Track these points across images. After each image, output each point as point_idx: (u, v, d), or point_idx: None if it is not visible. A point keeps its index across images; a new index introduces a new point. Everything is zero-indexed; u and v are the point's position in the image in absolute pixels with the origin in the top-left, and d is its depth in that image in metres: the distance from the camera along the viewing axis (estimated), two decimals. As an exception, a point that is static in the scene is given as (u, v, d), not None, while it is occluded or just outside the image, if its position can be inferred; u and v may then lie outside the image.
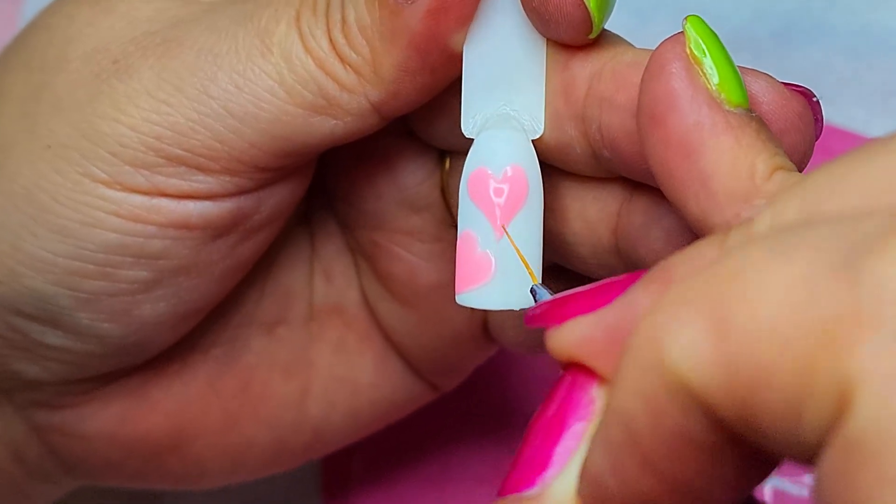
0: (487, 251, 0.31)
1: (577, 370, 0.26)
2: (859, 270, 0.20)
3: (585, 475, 0.24)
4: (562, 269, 0.35)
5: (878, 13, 0.45)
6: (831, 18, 0.45)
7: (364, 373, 0.38)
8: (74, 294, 0.34)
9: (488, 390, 0.45)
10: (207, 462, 0.38)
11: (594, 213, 0.33)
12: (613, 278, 0.27)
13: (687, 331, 0.21)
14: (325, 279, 0.38)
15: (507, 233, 0.31)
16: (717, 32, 0.30)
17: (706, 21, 0.30)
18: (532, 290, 0.30)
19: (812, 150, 0.31)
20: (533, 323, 0.27)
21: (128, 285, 0.34)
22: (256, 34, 0.33)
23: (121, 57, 0.34)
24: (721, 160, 0.27)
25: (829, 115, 0.45)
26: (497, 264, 0.31)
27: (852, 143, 0.44)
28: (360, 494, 0.44)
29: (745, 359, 0.21)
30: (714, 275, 0.22)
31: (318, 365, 0.38)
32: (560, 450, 0.25)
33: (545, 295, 0.29)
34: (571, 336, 0.26)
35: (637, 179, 0.32)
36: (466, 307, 0.32)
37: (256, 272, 0.37)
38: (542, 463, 0.25)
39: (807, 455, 0.21)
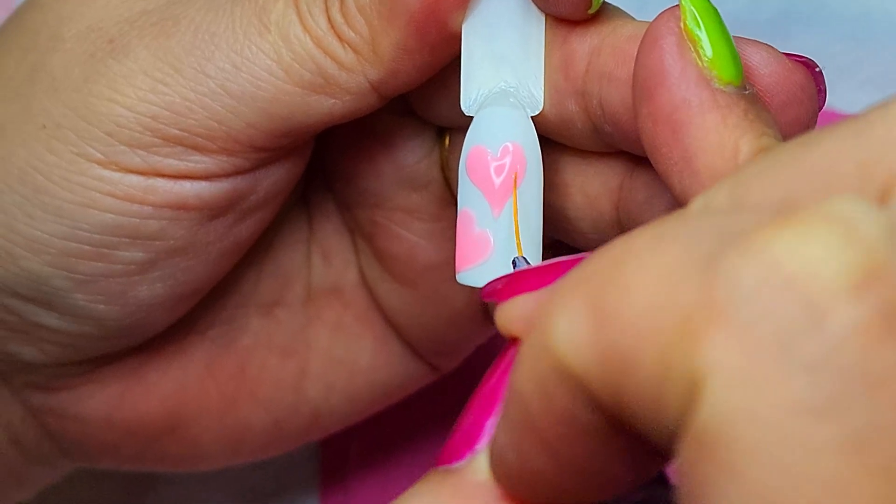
0: (486, 229, 0.31)
1: (518, 345, 0.26)
2: (718, 265, 0.20)
3: (492, 450, 0.25)
4: (563, 245, 0.35)
5: (878, -2, 0.45)
6: (830, 3, 0.45)
7: (363, 354, 0.38)
8: (70, 275, 0.34)
9: (485, 373, 0.45)
10: (205, 444, 0.38)
11: (596, 187, 0.33)
12: (565, 257, 0.27)
13: (569, 315, 0.22)
14: (322, 260, 0.38)
15: (515, 198, 0.30)
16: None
17: None
18: (513, 262, 0.30)
19: (815, 121, 0.31)
20: (488, 297, 0.28)
21: (124, 266, 0.34)
22: (254, 13, 0.33)
23: (116, 36, 0.33)
24: (706, 139, 0.28)
25: (830, 100, 0.44)
26: (495, 242, 0.31)
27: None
28: (358, 478, 0.44)
29: (615, 345, 0.21)
30: (601, 259, 0.22)
31: (316, 346, 0.38)
32: (491, 423, 0.26)
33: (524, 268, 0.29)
34: (513, 312, 0.26)
35: (639, 154, 0.32)
36: (466, 286, 0.32)
37: (253, 253, 0.37)
38: (474, 436, 0.25)
39: (673, 444, 0.21)
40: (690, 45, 0.28)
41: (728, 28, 0.29)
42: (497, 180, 0.31)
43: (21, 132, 0.34)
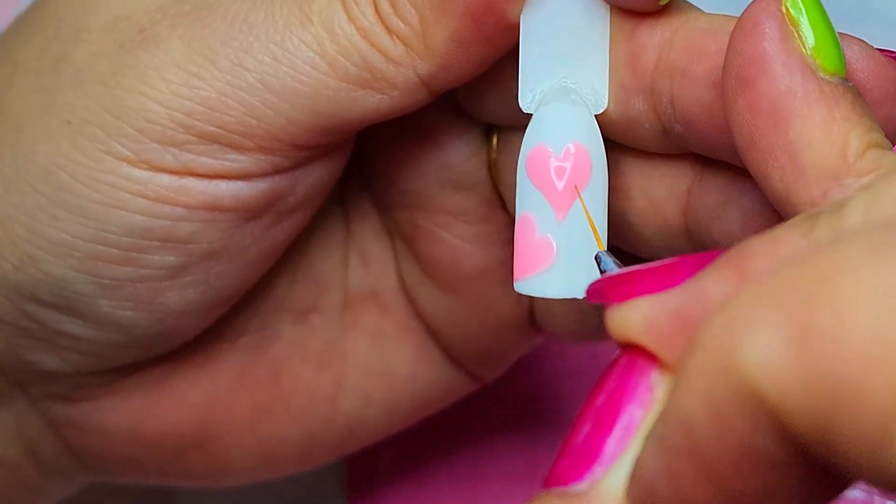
0: (548, 235, 0.29)
1: (636, 353, 0.24)
2: None
3: (637, 476, 0.22)
4: (625, 253, 0.33)
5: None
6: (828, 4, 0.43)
7: (401, 364, 0.36)
8: (96, 280, 0.32)
9: (519, 383, 0.43)
10: (234, 459, 0.36)
11: (662, 191, 0.31)
12: (684, 256, 0.25)
13: (765, 335, 0.20)
14: (360, 264, 0.36)
15: (579, 197, 0.28)
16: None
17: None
18: (597, 258, 0.28)
19: None
20: (594, 298, 0.25)
21: (154, 271, 0.32)
22: (295, 2, 0.31)
23: (147, 26, 0.31)
24: (812, 132, 0.25)
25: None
26: (559, 249, 0.29)
27: None
28: (387, 491, 0.42)
29: (831, 373, 0.19)
30: (801, 273, 0.20)
31: (353, 355, 0.36)
32: (612, 441, 0.23)
33: (610, 265, 0.27)
34: (634, 316, 0.24)
35: (712, 156, 0.30)
36: (523, 294, 0.30)
37: (288, 256, 0.35)
38: (592, 454, 0.23)
39: (893, 483, 0.19)
40: (793, 31, 0.26)
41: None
42: (559, 183, 0.29)
43: (44, 128, 0.32)
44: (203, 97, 0.31)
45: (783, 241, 0.23)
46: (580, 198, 0.29)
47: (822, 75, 0.26)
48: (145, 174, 0.31)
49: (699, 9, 0.30)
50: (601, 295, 0.25)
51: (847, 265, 0.19)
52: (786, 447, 0.20)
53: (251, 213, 0.32)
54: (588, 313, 0.34)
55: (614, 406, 0.23)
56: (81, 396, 0.35)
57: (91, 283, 0.32)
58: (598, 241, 0.29)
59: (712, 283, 0.23)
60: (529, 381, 0.43)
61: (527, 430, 0.43)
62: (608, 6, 0.30)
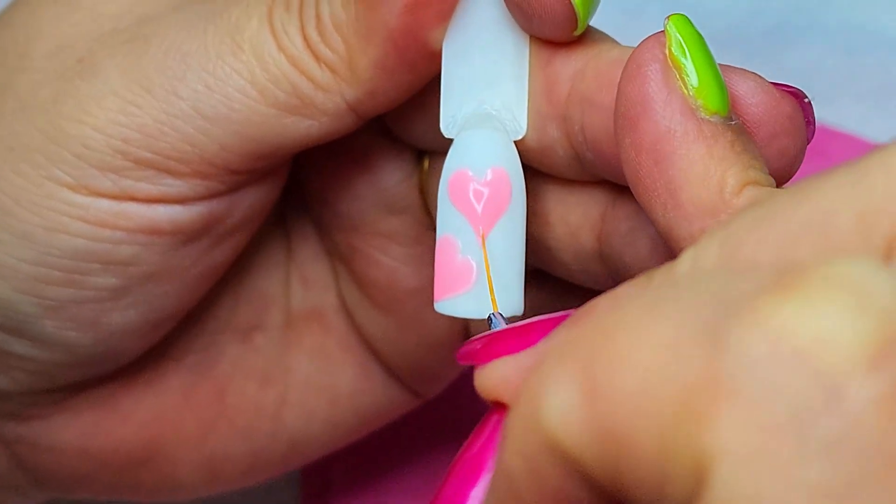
0: (468, 257, 0.30)
1: (501, 410, 0.26)
2: (721, 337, 0.19)
3: None
4: (546, 274, 0.34)
5: (873, 11, 0.44)
6: (825, 17, 0.44)
7: (343, 380, 0.37)
8: (40, 301, 0.33)
9: (473, 396, 0.44)
10: (181, 474, 0.37)
11: (577, 217, 0.32)
12: (544, 317, 0.26)
13: (559, 390, 0.21)
14: (302, 283, 0.37)
15: (484, 246, 0.29)
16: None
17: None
18: (489, 319, 0.29)
19: (803, 154, 0.29)
20: (464, 359, 0.27)
21: (96, 292, 0.33)
22: (227, 31, 0.32)
23: (87, 55, 0.32)
24: (691, 170, 0.26)
25: (823, 115, 0.44)
26: (479, 271, 0.30)
27: (846, 144, 0.43)
28: (341, 501, 0.43)
29: (612, 425, 0.20)
30: (592, 329, 0.21)
31: (296, 373, 0.37)
32: (476, 492, 0.25)
33: (501, 325, 0.28)
34: (494, 376, 0.25)
35: (622, 183, 0.31)
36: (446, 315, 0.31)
37: (230, 277, 0.36)
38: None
39: None
40: (675, 73, 0.27)
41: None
42: (479, 206, 0.30)
43: None
44: (139, 124, 0.32)
45: (625, 296, 0.24)
46: (483, 243, 0.30)
47: (702, 115, 0.27)
48: (85, 199, 0.32)
49: (614, 41, 0.31)
50: (470, 357, 0.26)
51: (626, 321, 0.20)
52: (593, 494, 0.21)
53: (189, 236, 0.33)
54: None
55: (480, 459, 0.25)
56: (31, 415, 0.35)
57: (35, 305, 0.33)
58: (493, 301, 0.30)
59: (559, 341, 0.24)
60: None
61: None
62: (527, 35, 0.31)
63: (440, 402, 0.41)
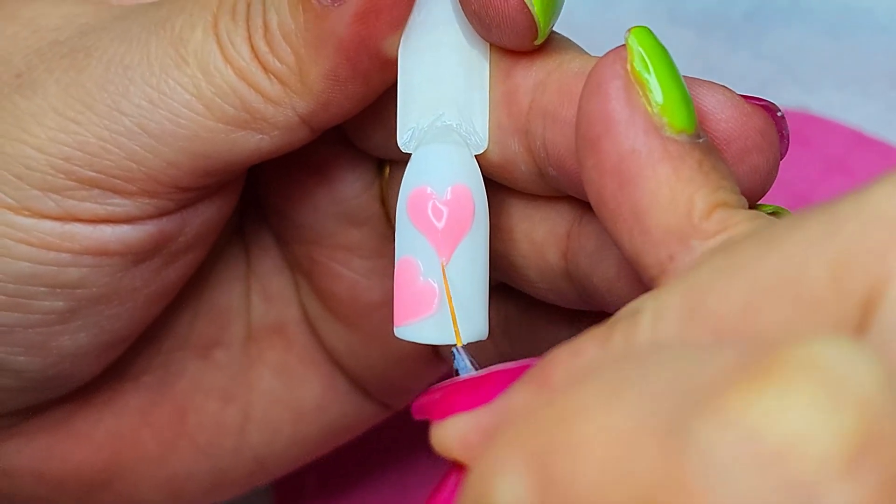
0: (430, 280, 0.29)
1: (461, 471, 0.24)
2: (684, 433, 0.17)
3: None
4: (511, 288, 0.32)
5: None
6: (807, -4, 0.42)
7: (308, 395, 0.35)
8: None
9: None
10: (143, 495, 0.35)
11: (542, 234, 0.30)
12: (501, 367, 0.25)
13: (512, 478, 0.20)
14: (262, 297, 0.35)
15: (444, 273, 0.28)
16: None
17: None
18: (452, 353, 0.27)
19: (776, 170, 0.28)
20: (418, 414, 0.25)
21: (42, 316, 0.31)
22: (170, 43, 0.30)
23: (24, 70, 0.31)
24: (657, 193, 0.25)
25: (806, 101, 0.42)
26: (441, 295, 0.28)
27: (829, 131, 0.42)
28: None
29: None
30: (546, 416, 0.20)
31: (259, 389, 0.35)
32: None
33: (464, 363, 0.27)
34: (451, 434, 0.24)
35: (587, 200, 0.29)
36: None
37: (187, 292, 0.34)
38: None
39: None
40: (639, 90, 0.25)
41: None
42: (440, 225, 0.29)
43: None
44: (81, 142, 0.30)
45: (581, 352, 0.23)
46: (443, 269, 0.28)
47: (668, 133, 0.25)
48: (28, 221, 0.31)
49: (578, 49, 0.29)
50: (424, 412, 0.25)
51: (582, 408, 0.19)
52: None
53: (139, 256, 0.31)
54: (488, 346, 0.33)
55: None
56: (-17, 439, 0.34)
57: None
58: (456, 331, 0.28)
59: (516, 398, 0.23)
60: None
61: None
62: (487, 44, 0.29)
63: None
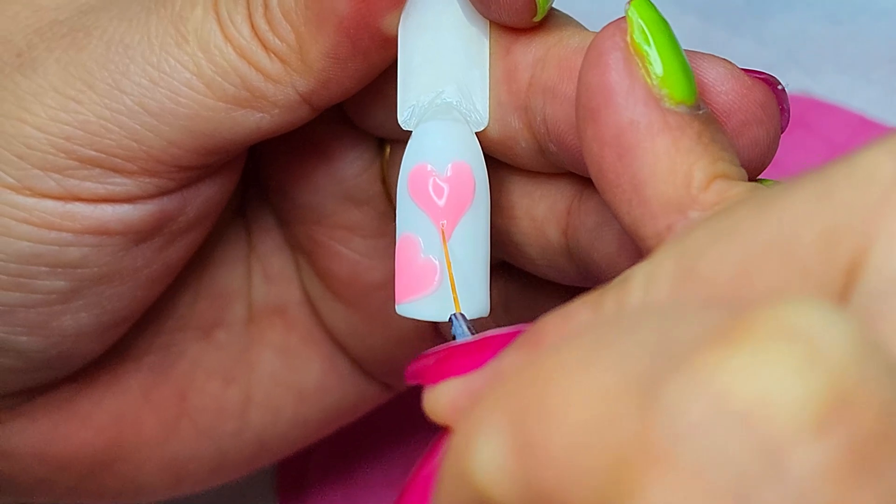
0: (431, 257, 0.29)
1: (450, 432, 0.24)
2: (657, 395, 0.17)
3: None
4: (512, 266, 0.32)
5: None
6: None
7: (310, 376, 0.36)
8: None
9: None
10: (145, 477, 0.36)
11: (543, 211, 0.30)
12: (496, 332, 0.25)
13: (489, 441, 0.20)
14: (264, 278, 0.35)
15: (446, 246, 0.28)
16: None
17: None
18: (451, 319, 0.27)
19: (777, 143, 0.28)
20: (412, 379, 0.25)
21: (44, 296, 0.32)
22: (170, 21, 0.30)
23: (25, 49, 0.31)
24: (656, 164, 0.25)
25: (808, 85, 0.42)
26: (442, 271, 0.28)
27: (830, 115, 0.42)
28: (317, 493, 0.42)
29: (541, 483, 0.19)
30: (526, 376, 0.19)
31: (260, 370, 0.35)
32: None
33: (461, 329, 0.27)
34: (443, 399, 0.24)
35: (587, 176, 0.29)
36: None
37: (189, 273, 0.35)
38: None
39: None
40: (638, 62, 0.25)
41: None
42: (441, 202, 0.29)
43: None
44: (82, 121, 0.30)
45: (572, 317, 0.23)
46: (445, 243, 0.28)
47: (668, 105, 0.25)
48: (30, 200, 0.31)
49: (578, 25, 0.29)
50: (418, 376, 0.25)
51: (562, 369, 0.19)
52: None
53: (140, 235, 0.32)
54: (489, 323, 0.33)
55: (426, 485, 0.23)
56: (-14, 421, 0.34)
57: None
58: (455, 302, 0.28)
59: (508, 362, 0.23)
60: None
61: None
62: (487, 21, 0.30)
63: (420, 389, 0.40)
